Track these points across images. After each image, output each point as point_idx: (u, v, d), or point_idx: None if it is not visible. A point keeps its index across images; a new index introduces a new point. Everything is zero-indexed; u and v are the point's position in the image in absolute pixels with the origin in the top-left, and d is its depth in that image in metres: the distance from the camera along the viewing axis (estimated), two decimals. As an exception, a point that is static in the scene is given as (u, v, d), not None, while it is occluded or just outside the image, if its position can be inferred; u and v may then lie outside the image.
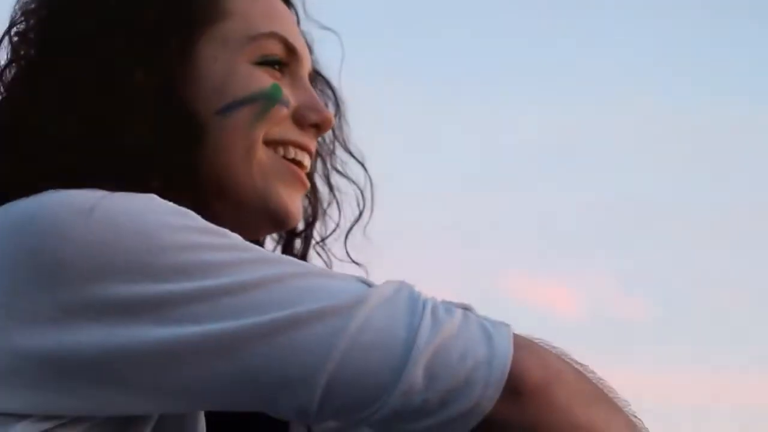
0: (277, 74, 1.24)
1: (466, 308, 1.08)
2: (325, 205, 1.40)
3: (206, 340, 1.00)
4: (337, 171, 1.40)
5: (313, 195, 1.39)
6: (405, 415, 1.03)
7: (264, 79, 1.22)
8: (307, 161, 1.27)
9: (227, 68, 1.20)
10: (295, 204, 1.24)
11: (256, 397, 1.03)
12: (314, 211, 1.39)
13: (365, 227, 1.39)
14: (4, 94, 1.19)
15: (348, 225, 1.39)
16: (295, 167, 1.24)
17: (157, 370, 1.01)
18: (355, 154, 1.41)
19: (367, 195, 1.40)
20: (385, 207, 1.42)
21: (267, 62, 1.23)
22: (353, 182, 1.41)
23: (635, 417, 1.12)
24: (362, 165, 1.41)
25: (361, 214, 1.39)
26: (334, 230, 1.39)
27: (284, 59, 1.25)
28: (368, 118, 1.47)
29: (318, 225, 1.39)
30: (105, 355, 1.00)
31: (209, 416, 1.16)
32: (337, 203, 1.41)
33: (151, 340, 1.00)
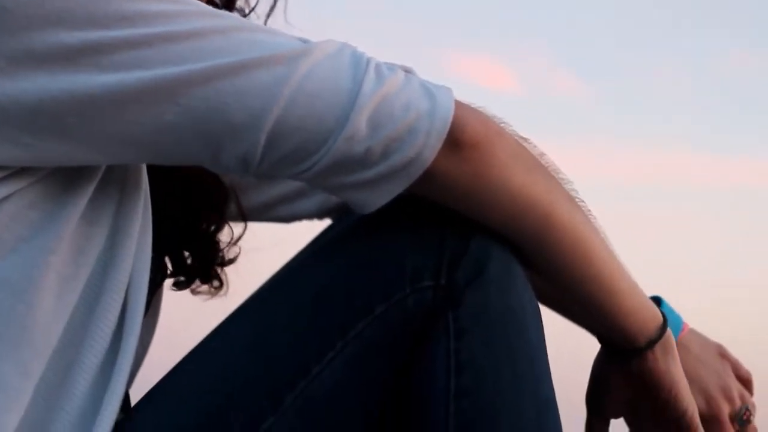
0: None
1: (407, 70, 1.10)
2: None
3: (150, 85, 1.00)
4: None
5: None
6: (347, 164, 1.05)
7: None
8: None
9: None
10: None
11: (201, 145, 1.03)
12: None
13: (285, 10, 1.35)
14: None
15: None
16: None
17: (100, 117, 1.01)
18: None
19: None
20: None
21: None
22: None
23: (576, 194, 1.15)
24: None
25: None
26: (254, 7, 1.34)
27: None
28: None
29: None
30: (47, 102, 1.00)
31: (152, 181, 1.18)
32: None
33: (94, 85, 1.00)
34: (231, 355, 1.11)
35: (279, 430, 1.08)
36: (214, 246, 1.30)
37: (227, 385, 1.09)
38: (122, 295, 1.11)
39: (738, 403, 1.31)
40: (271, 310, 1.12)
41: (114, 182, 1.11)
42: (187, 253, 1.29)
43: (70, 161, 1.06)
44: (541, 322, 1.14)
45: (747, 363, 1.34)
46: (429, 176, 1.07)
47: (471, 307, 1.10)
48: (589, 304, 1.15)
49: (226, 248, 1.31)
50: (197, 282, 1.31)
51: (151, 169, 1.18)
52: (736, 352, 1.34)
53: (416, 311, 1.10)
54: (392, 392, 1.12)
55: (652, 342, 1.15)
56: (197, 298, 1.33)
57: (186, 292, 1.33)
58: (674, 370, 1.16)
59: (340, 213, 1.43)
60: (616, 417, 1.22)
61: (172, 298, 1.32)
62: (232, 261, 1.33)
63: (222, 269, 1.32)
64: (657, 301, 1.29)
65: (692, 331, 1.33)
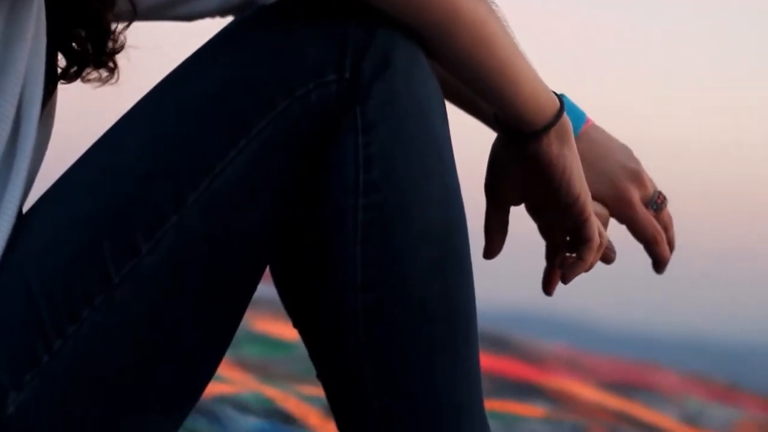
0: None
1: None
2: None
3: None
4: None
5: None
6: None
7: None
8: None
9: None
10: None
11: None
12: None
13: None
14: None
15: None
16: None
17: None
18: None
19: None
20: None
21: None
22: None
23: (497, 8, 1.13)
24: None
25: None
26: None
27: None
28: None
29: None
30: None
31: None
32: None
33: None
34: (128, 152, 1.08)
35: (182, 229, 1.06)
36: (106, 28, 1.25)
37: (126, 183, 1.07)
38: (17, 98, 1.08)
39: (651, 188, 1.29)
40: (170, 106, 1.09)
41: None
42: (76, 45, 1.24)
43: None
44: (446, 112, 1.13)
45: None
46: None
47: (378, 99, 1.08)
48: (489, 92, 1.14)
49: (119, 32, 1.27)
50: (87, 70, 1.26)
51: None
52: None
53: (321, 107, 1.08)
54: (299, 191, 1.10)
55: (549, 126, 1.14)
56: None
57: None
58: (568, 155, 1.16)
59: (242, 11, 1.38)
60: (514, 204, 1.22)
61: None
62: (122, 48, 1.29)
63: (113, 57, 1.27)
64: (559, 97, 1.27)
65: (597, 126, 1.31)
